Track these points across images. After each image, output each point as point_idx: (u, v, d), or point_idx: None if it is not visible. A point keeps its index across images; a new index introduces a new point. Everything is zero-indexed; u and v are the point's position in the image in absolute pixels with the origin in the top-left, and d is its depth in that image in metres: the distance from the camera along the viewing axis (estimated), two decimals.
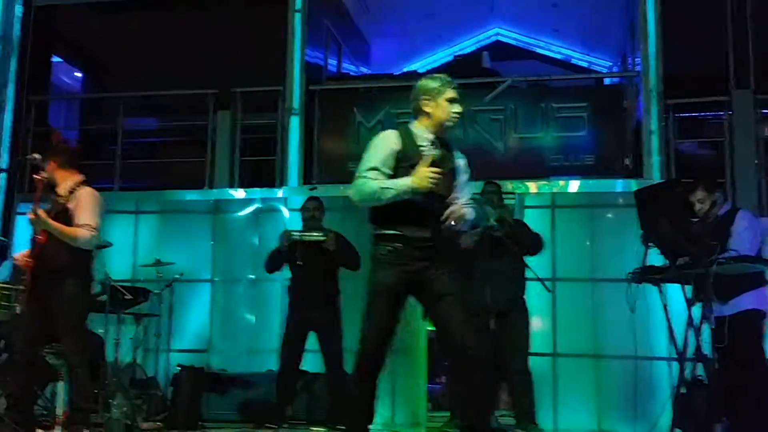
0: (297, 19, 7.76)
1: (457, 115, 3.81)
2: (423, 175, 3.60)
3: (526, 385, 5.69)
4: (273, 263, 6.02)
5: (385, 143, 3.80)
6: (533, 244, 5.72)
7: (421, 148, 3.75)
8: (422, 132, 3.83)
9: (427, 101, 3.82)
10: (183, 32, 8.33)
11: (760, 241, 4.90)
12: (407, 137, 3.82)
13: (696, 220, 4.95)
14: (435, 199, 3.69)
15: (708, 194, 5.02)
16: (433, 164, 3.63)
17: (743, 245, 4.65)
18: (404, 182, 3.66)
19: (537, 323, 6.11)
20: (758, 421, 4.71)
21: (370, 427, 3.93)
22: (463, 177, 3.88)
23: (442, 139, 3.84)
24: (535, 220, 6.81)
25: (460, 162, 3.91)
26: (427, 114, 3.83)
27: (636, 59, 7.65)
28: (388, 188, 3.67)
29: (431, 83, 3.84)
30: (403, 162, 3.74)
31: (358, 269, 5.84)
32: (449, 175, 3.77)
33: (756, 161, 6.82)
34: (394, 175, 3.72)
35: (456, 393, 3.94)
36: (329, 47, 8.50)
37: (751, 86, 6.95)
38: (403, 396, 6.63)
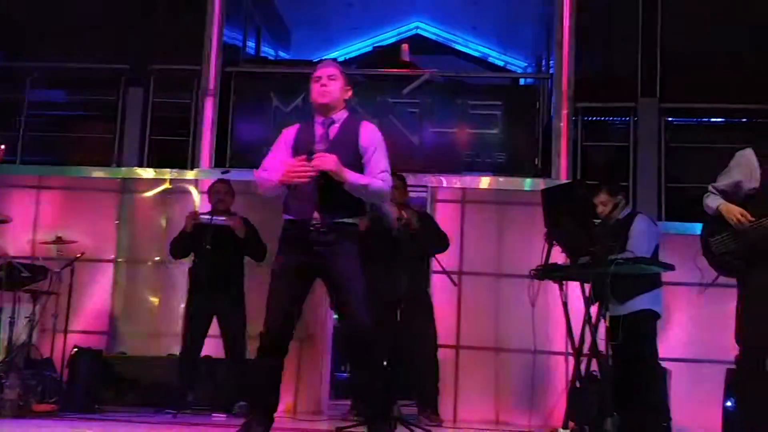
0: None
1: (322, 89, 3.89)
2: (287, 171, 3.73)
3: (431, 375, 5.79)
4: (178, 247, 5.93)
5: (282, 139, 3.99)
6: (438, 243, 5.77)
7: (315, 134, 3.88)
8: (317, 118, 3.95)
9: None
10: (100, 4, 8.07)
11: (656, 246, 5.09)
12: (305, 126, 3.96)
13: (598, 221, 5.11)
14: (327, 182, 3.74)
15: (611, 197, 5.20)
16: (309, 155, 3.72)
17: (640, 248, 4.83)
18: (275, 177, 3.79)
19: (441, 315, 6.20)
20: (646, 416, 4.92)
21: (274, 414, 3.93)
22: (369, 150, 3.87)
23: (334, 119, 3.91)
24: (445, 214, 6.95)
25: (364, 134, 3.90)
26: (311, 102, 3.99)
27: (550, 62, 7.84)
28: (267, 180, 3.85)
29: None
30: (298, 150, 3.86)
31: (263, 260, 5.82)
32: (348, 153, 3.81)
33: (657, 167, 7.10)
34: None
35: (355, 380, 3.98)
36: (248, 29, 8.38)
37: (657, 94, 7.23)
38: (306, 384, 6.63)
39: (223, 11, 7.63)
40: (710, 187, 4.14)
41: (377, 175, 3.83)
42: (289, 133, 3.99)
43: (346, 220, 3.83)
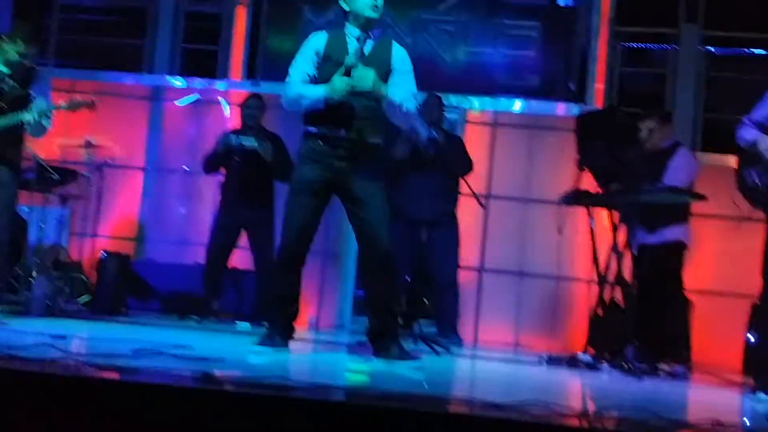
0: None
1: (373, 1, 3.77)
2: (335, 85, 3.66)
3: (452, 296, 5.82)
4: (211, 165, 5.93)
5: (309, 45, 3.89)
6: (461, 167, 5.71)
7: (349, 46, 3.79)
8: (351, 30, 3.85)
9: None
10: None
11: (693, 181, 5.00)
12: (335, 37, 3.86)
13: (631, 148, 5.01)
14: (360, 97, 3.70)
15: (661, 125, 5.07)
16: (347, 70, 3.65)
17: (677, 180, 4.74)
18: (318, 91, 3.73)
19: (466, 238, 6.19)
20: (666, 347, 4.93)
21: (294, 323, 3.99)
22: (399, 70, 3.85)
23: (372, 33, 3.84)
24: (475, 136, 6.87)
25: (397, 54, 3.87)
26: (347, 11, 3.86)
27: None
28: (303, 96, 3.77)
29: None
30: (327, 62, 3.80)
31: (288, 178, 5.81)
32: (380, 71, 3.76)
33: (695, 97, 6.92)
34: (319, 75, 3.80)
35: (369, 295, 4.01)
36: None
37: (699, 21, 6.99)
38: (329, 299, 6.71)
39: None
40: (745, 119, 4.03)
41: (404, 96, 3.79)
42: (318, 41, 3.89)
43: (371, 138, 3.80)
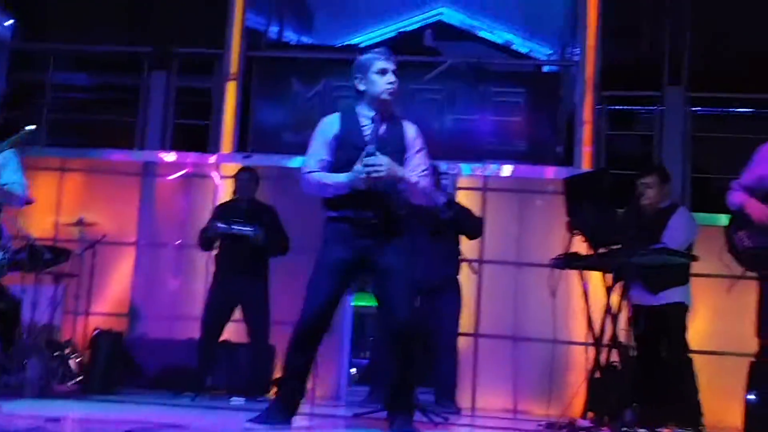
0: None
1: (391, 86, 3.77)
2: (359, 174, 3.64)
3: (451, 363, 5.77)
4: (205, 244, 5.94)
5: (324, 130, 3.86)
6: (474, 228, 5.75)
7: (363, 128, 3.79)
8: (364, 110, 3.84)
9: (359, 79, 3.83)
10: None
11: (692, 241, 5.02)
12: (348, 118, 3.85)
13: (621, 210, 5.04)
14: (377, 180, 3.70)
15: (660, 183, 5.11)
16: (368, 156, 3.64)
17: (676, 241, 4.76)
18: (342, 179, 3.71)
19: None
20: (681, 410, 4.88)
21: (299, 401, 3.94)
22: (413, 149, 3.86)
23: (385, 114, 3.82)
24: (466, 202, 6.90)
25: (409, 133, 3.89)
26: (362, 92, 3.84)
27: (575, 49, 7.75)
28: (327, 185, 3.76)
29: (361, 59, 3.85)
30: (345, 145, 3.78)
31: (285, 253, 5.83)
32: (395, 152, 3.77)
33: (683, 158, 7.01)
34: (336, 160, 3.78)
35: (383, 368, 3.98)
36: (271, 14, 8.36)
37: (683, 83, 7.13)
38: (324, 370, 6.62)
39: None
40: (734, 184, 4.11)
41: (420, 174, 3.81)
42: (332, 126, 3.87)
43: (395, 213, 3.80)
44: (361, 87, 3.83)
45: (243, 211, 5.85)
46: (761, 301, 3.94)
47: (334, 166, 3.80)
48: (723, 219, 4.17)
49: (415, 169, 3.82)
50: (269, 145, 7.29)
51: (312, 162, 3.83)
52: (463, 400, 6.18)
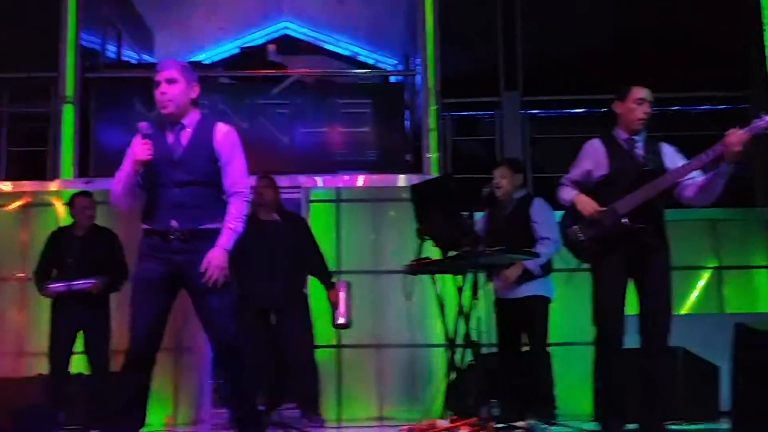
0: (71, 2, 7.34)
1: (160, 98, 3.74)
2: (134, 150, 3.63)
3: (311, 377, 5.75)
4: (39, 280, 5.66)
5: (131, 146, 3.77)
6: (304, 245, 5.73)
7: (166, 141, 3.75)
8: (166, 126, 3.81)
9: None
10: None
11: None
12: (156, 130, 3.78)
13: (466, 214, 5.19)
14: (189, 186, 3.66)
15: (512, 172, 5.25)
16: (146, 136, 3.63)
17: (553, 231, 4.86)
18: (125, 166, 3.71)
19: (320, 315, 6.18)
20: (536, 404, 5.07)
21: (143, 429, 3.81)
22: (224, 154, 3.75)
23: (182, 124, 3.76)
24: (320, 214, 6.94)
25: (218, 137, 3.77)
26: None
27: (417, 59, 7.96)
28: (117, 181, 3.74)
29: None
30: (153, 162, 3.70)
31: (125, 282, 5.65)
32: (201, 157, 3.72)
33: (523, 158, 7.33)
34: (146, 177, 3.72)
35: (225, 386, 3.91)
36: (108, 33, 8.09)
37: (518, 89, 7.46)
38: (185, 394, 6.48)
39: (79, 14, 7.34)
40: (564, 180, 4.33)
41: (232, 191, 3.73)
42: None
43: (208, 226, 3.71)
44: None
45: (80, 239, 5.64)
46: (594, 291, 4.17)
47: (144, 179, 3.72)
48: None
49: (229, 181, 3.74)
50: (113, 169, 7.00)
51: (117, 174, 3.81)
52: (330, 412, 6.19)
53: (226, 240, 3.67)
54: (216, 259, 3.61)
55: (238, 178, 3.75)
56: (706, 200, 4.05)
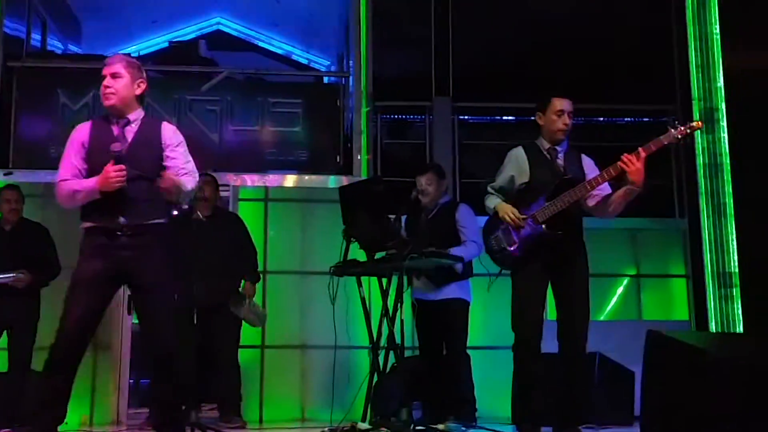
0: None
1: (104, 90, 3.75)
2: (106, 177, 3.58)
3: (233, 378, 5.70)
4: None
5: (74, 138, 3.79)
6: (240, 242, 5.70)
7: (112, 134, 3.73)
8: (113, 117, 3.80)
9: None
10: None
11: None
12: (100, 126, 3.79)
13: (393, 217, 5.22)
14: (135, 180, 3.62)
15: (437, 178, 5.31)
16: (118, 161, 3.58)
17: (478, 236, 4.89)
18: (90, 184, 3.64)
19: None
20: (456, 406, 5.11)
21: (60, 427, 3.72)
22: (171, 146, 3.80)
23: (127, 119, 3.77)
24: (248, 213, 6.87)
25: (166, 133, 3.82)
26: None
27: (351, 61, 7.96)
28: (77, 191, 3.66)
29: None
30: (96, 151, 3.72)
31: (54, 277, 5.49)
32: (150, 153, 3.72)
33: (452, 164, 7.40)
34: (90, 167, 3.70)
35: (153, 387, 3.87)
36: (32, 21, 7.85)
37: (449, 94, 7.53)
38: (103, 393, 6.34)
39: (2, 1, 7.12)
40: (488, 188, 4.41)
41: (183, 172, 3.75)
42: (82, 132, 3.79)
43: (155, 221, 3.71)
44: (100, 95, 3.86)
45: (7, 233, 5.47)
46: (513, 296, 4.25)
47: (88, 173, 3.71)
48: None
49: (178, 166, 3.77)
50: (34, 160, 6.85)
51: (63, 171, 3.74)
52: (251, 413, 6.14)
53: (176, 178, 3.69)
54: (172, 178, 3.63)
55: (187, 163, 3.82)
56: (606, 215, 4.16)
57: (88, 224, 3.70)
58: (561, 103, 4.25)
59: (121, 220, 3.64)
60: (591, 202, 4.17)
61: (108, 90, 3.75)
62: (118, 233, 3.64)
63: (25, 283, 5.34)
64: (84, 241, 3.71)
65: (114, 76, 3.76)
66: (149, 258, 3.67)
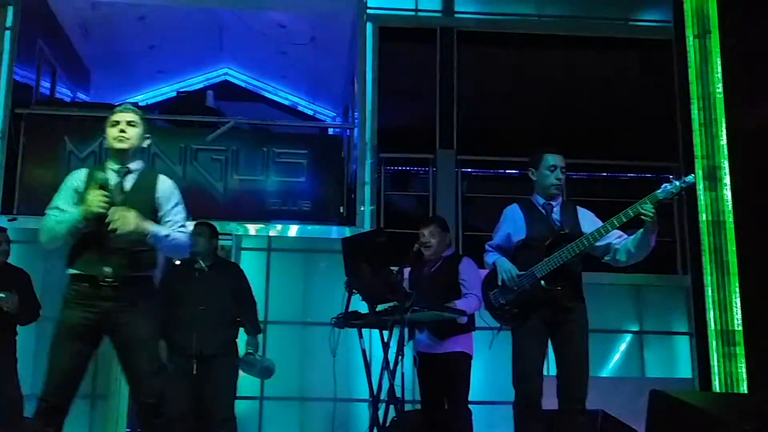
0: (7, 37, 7.23)
1: (119, 135, 3.74)
2: (89, 199, 3.55)
3: (229, 429, 5.61)
4: None
5: (69, 181, 3.77)
6: (241, 293, 5.65)
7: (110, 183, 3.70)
8: (110, 164, 3.78)
9: (104, 136, 3.85)
10: None
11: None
12: (95, 173, 3.74)
13: (396, 269, 5.20)
14: (121, 235, 3.56)
15: (441, 231, 5.29)
16: (102, 187, 3.58)
17: (479, 290, 4.82)
18: (75, 210, 3.60)
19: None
20: None
21: None
22: (168, 203, 3.78)
23: (127, 168, 3.75)
24: (251, 262, 6.87)
25: (162, 186, 3.81)
26: (107, 148, 3.87)
27: (355, 113, 8.04)
28: (60, 222, 3.61)
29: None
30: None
31: (35, 320, 5.46)
32: (143, 205, 3.69)
33: (455, 216, 7.41)
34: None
35: None
36: (42, 69, 7.95)
37: (453, 147, 7.58)
38: None
39: (14, 48, 7.22)
40: (487, 245, 4.41)
41: (176, 229, 3.73)
42: (77, 179, 3.76)
43: (140, 273, 3.67)
44: (106, 143, 3.87)
45: None
46: (514, 352, 4.21)
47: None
48: None
49: (171, 222, 3.75)
50: (38, 207, 6.83)
51: (51, 208, 3.72)
52: None
53: (156, 226, 3.64)
54: (133, 217, 3.54)
55: (181, 219, 3.80)
56: (641, 256, 4.12)
57: (72, 272, 3.65)
58: (553, 159, 4.27)
59: (106, 269, 3.59)
60: (620, 257, 4.14)
61: (124, 135, 3.75)
62: (102, 284, 3.59)
63: (14, 306, 5.27)
64: (67, 290, 3.66)
65: (130, 124, 3.78)
66: (131, 312, 3.61)
